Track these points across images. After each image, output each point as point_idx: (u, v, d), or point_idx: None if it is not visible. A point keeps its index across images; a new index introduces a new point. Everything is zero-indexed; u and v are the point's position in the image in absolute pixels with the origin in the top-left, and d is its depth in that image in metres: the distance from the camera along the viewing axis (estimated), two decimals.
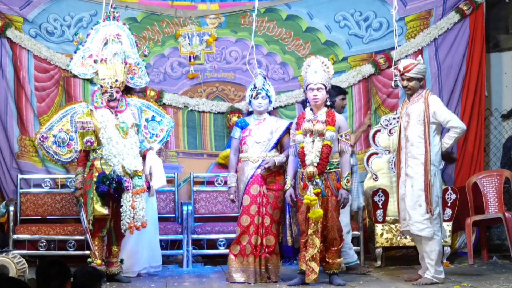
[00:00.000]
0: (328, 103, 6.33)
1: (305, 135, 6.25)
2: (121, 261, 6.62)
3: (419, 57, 6.77)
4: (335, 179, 6.25)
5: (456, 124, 6.31)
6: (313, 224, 6.16)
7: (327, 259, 6.28)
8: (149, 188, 6.58)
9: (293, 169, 6.37)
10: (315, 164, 6.16)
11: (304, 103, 6.47)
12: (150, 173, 6.57)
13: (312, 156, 6.17)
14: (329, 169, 6.24)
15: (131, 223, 6.38)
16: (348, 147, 6.31)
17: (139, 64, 6.66)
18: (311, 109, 6.32)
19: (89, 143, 6.48)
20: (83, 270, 4.37)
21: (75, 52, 6.66)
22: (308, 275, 6.19)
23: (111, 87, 6.46)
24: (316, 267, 6.17)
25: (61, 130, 6.64)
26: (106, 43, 6.55)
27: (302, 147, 6.24)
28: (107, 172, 6.37)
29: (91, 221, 6.40)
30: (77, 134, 6.56)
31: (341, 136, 6.29)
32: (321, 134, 6.21)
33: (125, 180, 6.36)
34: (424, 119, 6.27)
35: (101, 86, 6.51)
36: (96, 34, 6.63)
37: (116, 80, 6.48)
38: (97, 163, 6.45)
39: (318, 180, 6.14)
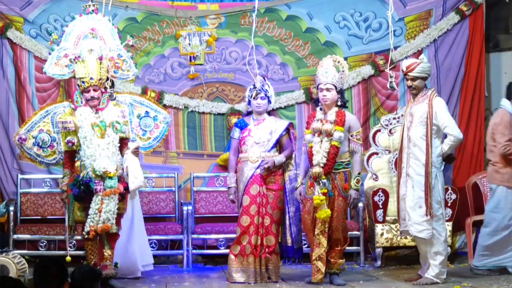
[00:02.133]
0: (339, 103, 6.36)
1: (314, 134, 6.28)
2: (116, 264, 6.30)
3: (422, 55, 6.74)
4: (343, 180, 6.28)
5: (451, 131, 6.29)
6: (320, 224, 6.19)
7: (329, 258, 6.31)
8: (126, 189, 6.23)
9: (305, 168, 6.41)
10: (322, 165, 6.19)
11: (317, 102, 6.48)
12: (127, 174, 6.21)
13: (319, 156, 6.21)
14: (337, 169, 6.27)
15: (92, 226, 6.04)
16: (358, 147, 6.33)
17: (122, 56, 6.30)
18: (321, 109, 6.35)
19: (70, 144, 6.17)
20: (81, 270, 4.36)
21: (49, 53, 6.36)
22: (314, 274, 6.25)
23: (90, 85, 6.12)
24: (322, 266, 6.23)
25: (41, 131, 6.38)
26: (82, 39, 6.24)
27: (311, 147, 6.28)
28: (82, 175, 6.10)
29: (73, 227, 6.23)
30: (59, 134, 6.28)
31: (351, 136, 6.32)
32: (329, 135, 6.24)
33: (95, 183, 6.04)
34: (426, 120, 6.26)
35: (78, 86, 6.21)
36: (71, 31, 6.30)
37: (91, 78, 6.14)
38: (77, 164, 6.20)
39: (324, 181, 6.18)
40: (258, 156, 6.50)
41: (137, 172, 6.22)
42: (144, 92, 7.93)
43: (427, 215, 6.23)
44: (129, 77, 6.43)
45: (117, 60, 6.27)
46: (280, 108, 8.22)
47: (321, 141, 6.26)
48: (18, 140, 6.38)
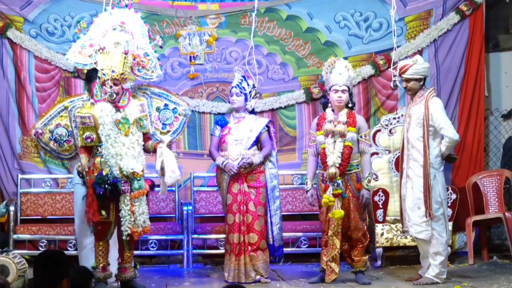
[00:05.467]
0: (350, 104, 6.41)
1: (327, 136, 6.31)
2: (135, 266, 6.16)
3: (416, 56, 6.72)
4: (355, 180, 6.37)
5: (447, 133, 6.29)
6: (333, 225, 6.24)
7: (352, 257, 6.41)
8: (152, 187, 6.11)
9: (313, 170, 6.44)
10: (337, 165, 6.21)
11: (325, 104, 6.51)
12: (162, 168, 5.95)
13: (334, 157, 6.26)
14: (349, 170, 6.34)
15: (133, 228, 5.90)
16: (368, 147, 6.44)
17: (149, 56, 6.05)
18: (333, 110, 6.38)
19: (89, 140, 5.92)
20: (75, 269, 4.34)
21: (74, 41, 6.14)
22: (328, 275, 6.32)
23: (109, 80, 5.88)
24: (336, 267, 6.30)
25: (58, 125, 6.13)
26: (110, 32, 6.01)
27: (324, 148, 6.31)
28: (104, 173, 5.86)
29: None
30: (77, 129, 5.99)
31: (360, 136, 6.40)
32: (343, 135, 6.30)
33: (122, 183, 5.85)
34: (423, 121, 6.27)
35: (99, 78, 5.95)
36: (100, 22, 6.06)
37: (113, 71, 5.89)
38: (97, 160, 5.95)
39: (339, 181, 6.22)
40: (238, 154, 6.55)
41: (174, 166, 5.96)
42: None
43: (426, 216, 6.24)
44: (152, 78, 6.15)
45: (143, 58, 6.04)
46: (280, 108, 8.22)
47: (335, 142, 6.31)
48: (35, 134, 6.11)
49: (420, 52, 8.16)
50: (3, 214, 7.61)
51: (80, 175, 6.05)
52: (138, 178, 5.93)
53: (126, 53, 5.94)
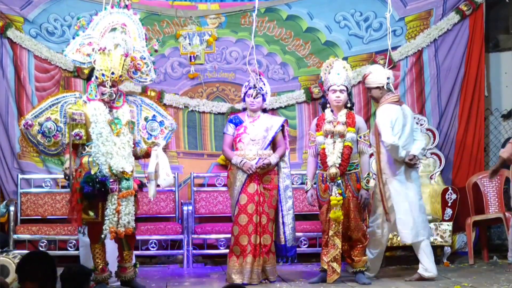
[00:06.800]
0: (349, 104, 6.42)
1: (326, 136, 6.32)
2: (135, 265, 6.17)
3: (373, 66, 6.87)
4: (355, 180, 6.39)
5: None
6: (334, 225, 6.25)
7: (352, 257, 6.41)
8: (141, 186, 6.10)
9: (313, 170, 6.45)
10: (337, 165, 6.23)
11: (324, 104, 6.52)
12: (156, 171, 5.95)
13: (334, 157, 6.28)
14: (349, 170, 6.36)
15: (112, 227, 5.81)
16: (367, 147, 6.45)
17: (146, 59, 6.06)
18: (332, 110, 6.39)
19: (77, 137, 5.89)
20: (71, 270, 4.30)
21: (73, 38, 6.09)
22: (330, 275, 6.32)
23: (108, 81, 5.87)
24: (337, 267, 6.30)
25: (48, 119, 6.02)
26: (109, 31, 6.00)
27: (323, 149, 6.32)
28: (92, 172, 5.84)
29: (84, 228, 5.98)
30: (66, 125, 5.97)
31: (360, 137, 6.42)
32: (342, 136, 6.32)
33: (111, 182, 5.83)
34: (373, 129, 6.38)
35: (97, 78, 5.94)
36: (100, 21, 6.05)
37: (112, 73, 5.89)
38: (85, 160, 5.91)
39: (339, 181, 6.24)
40: (255, 154, 6.51)
41: (168, 169, 5.97)
42: (144, 91, 7.91)
43: (387, 219, 6.40)
44: (146, 82, 6.19)
45: (139, 61, 6.04)
46: (281, 107, 8.23)
47: (334, 142, 6.32)
48: (24, 125, 6.04)
49: (420, 52, 8.18)
50: (3, 214, 7.61)
51: (67, 177, 5.98)
52: (127, 178, 5.90)
53: (126, 56, 5.95)
